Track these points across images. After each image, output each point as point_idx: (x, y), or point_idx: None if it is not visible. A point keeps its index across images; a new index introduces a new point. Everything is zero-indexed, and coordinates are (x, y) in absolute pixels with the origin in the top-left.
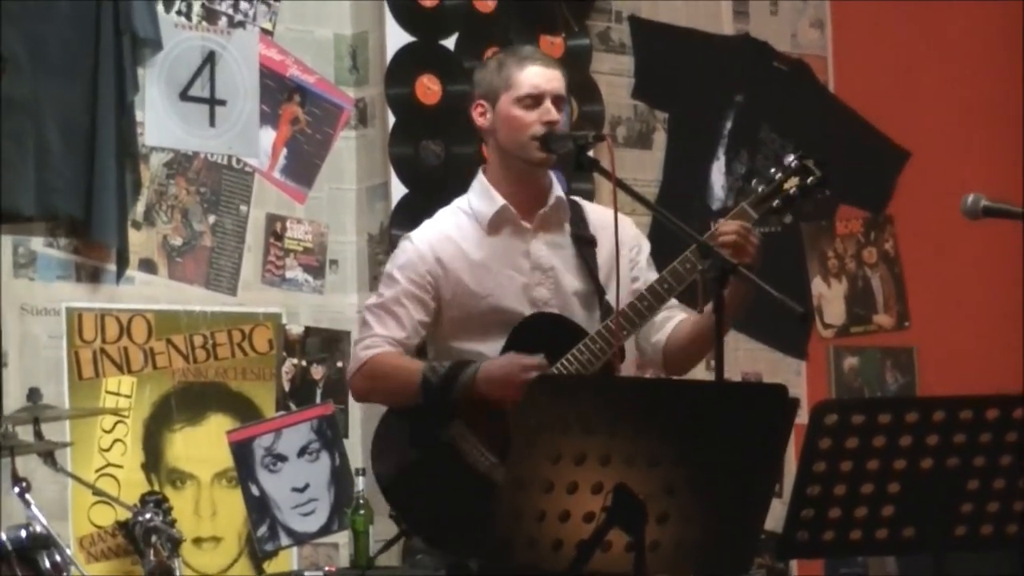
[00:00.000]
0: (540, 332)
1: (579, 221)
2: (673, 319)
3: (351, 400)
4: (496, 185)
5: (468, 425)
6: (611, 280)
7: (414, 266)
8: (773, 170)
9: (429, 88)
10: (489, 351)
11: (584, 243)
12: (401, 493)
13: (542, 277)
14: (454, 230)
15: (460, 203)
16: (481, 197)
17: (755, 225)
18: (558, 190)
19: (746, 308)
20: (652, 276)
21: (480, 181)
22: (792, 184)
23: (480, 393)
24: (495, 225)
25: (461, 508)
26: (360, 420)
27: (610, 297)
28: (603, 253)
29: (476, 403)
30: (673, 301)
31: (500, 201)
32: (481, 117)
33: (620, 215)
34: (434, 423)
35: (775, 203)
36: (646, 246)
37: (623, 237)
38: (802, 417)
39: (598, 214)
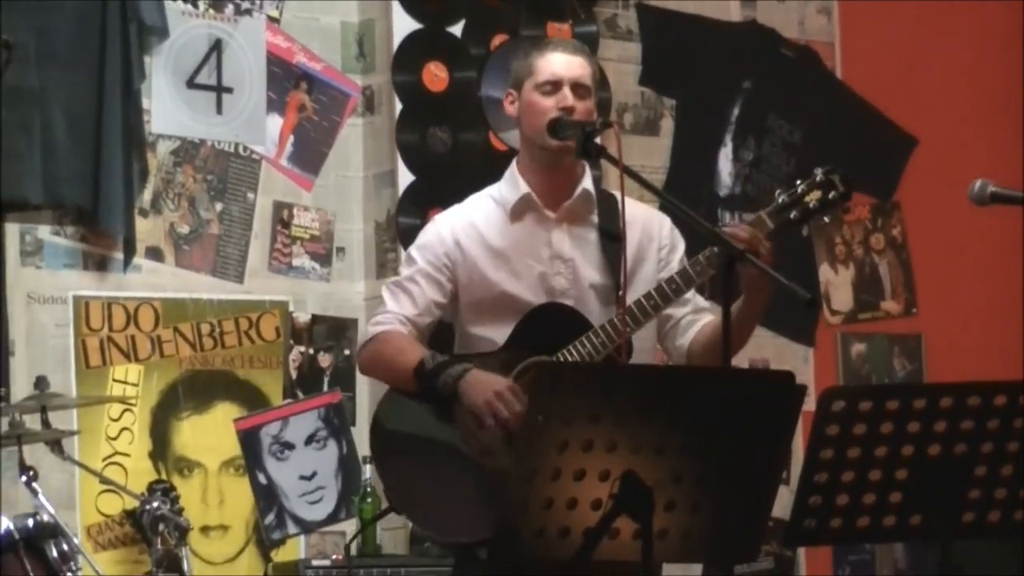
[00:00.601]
0: (548, 322)
1: (610, 215)
2: (698, 322)
3: (359, 388)
4: (524, 174)
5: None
6: (635, 276)
7: (432, 247)
8: (799, 181)
9: (436, 75)
10: (500, 338)
11: (610, 237)
12: (395, 474)
13: (561, 267)
14: (479, 216)
15: (491, 190)
16: (508, 184)
17: (771, 236)
18: (587, 183)
19: (764, 305)
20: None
21: (511, 170)
22: (813, 197)
23: (459, 392)
24: (517, 212)
25: (455, 492)
26: (368, 408)
27: (635, 292)
28: (632, 248)
29: None
30: (702, 302)
31: (524, 189)
32: (511, 106)
33: (659, 214)
34: (436, 406)
35: (793, 214)
36: (680, 246)
37: (653, 233)
38: (809, 404)
39: (636, 210)
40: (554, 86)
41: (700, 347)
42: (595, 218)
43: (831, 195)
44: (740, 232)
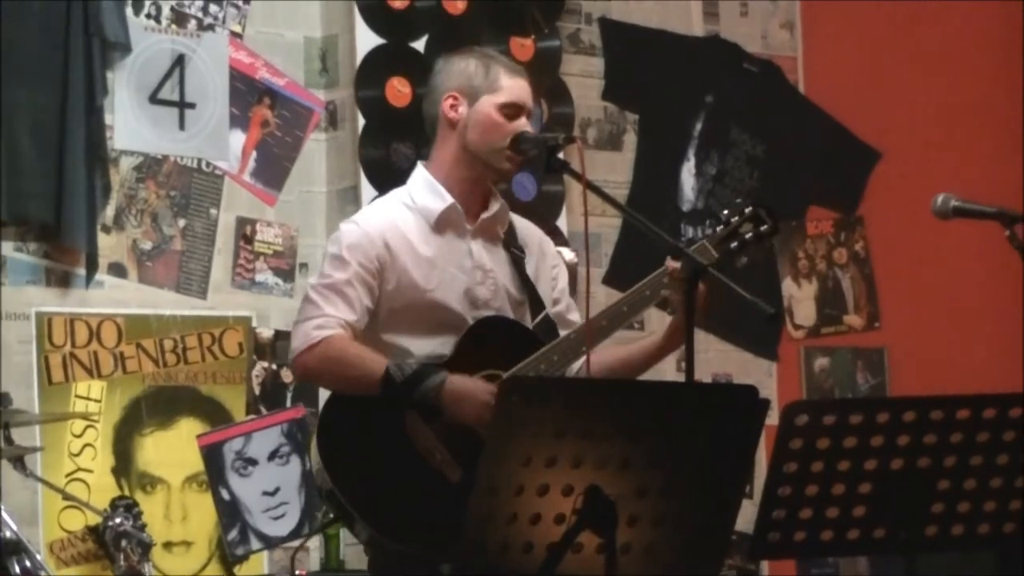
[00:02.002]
0: (492, 336)
1: (510, 232)
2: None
3: (322, 403)
4: (444, 182)
5: (423, 418)
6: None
7: (363, 249)
8: (726, 212)
9: (399, 90)
10: (418, 349)
11: (514, 252)
12: (347, 478)
13: (483, 277)
14: (400, 221)
15: (401, 196)
16: (428, 193)
17: (716, 265)
18: (500, 198)
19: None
20: (567, 298)
21: (424, 176)
22: (747, 229)
23: (443, 403)
24: (442, 223)
25: (412, 499)
26: None
27: (548, 310)
28: (531, 265)
29: None
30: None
31: (449, 199)
32: (452, 110)
33: (542, 233)
34: (388, 413)
35: (733, 245)
36: (564, 270)
37: (546, 253)
38: (773, 418)
39: (525, 228)
40: (516, 111)
41: (602, 367)
42: (502, 234)
43: (762, 228)
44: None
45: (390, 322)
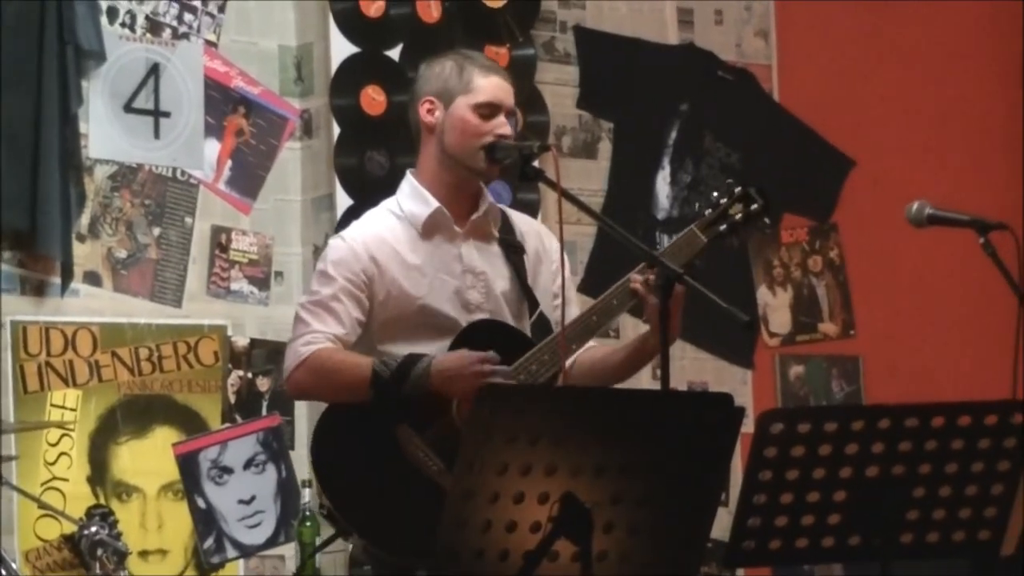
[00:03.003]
0: (485, 338)
1: (507, 228)
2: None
3: (297, 412)
4: (430, 187)
5: (415, 429)
6: (535, 287)
7: (348, 264)
8: (716, 194)
9: (374, 99)
10: None
11: (512, 249)
12: (344, 493)
13: (474, 280)
14: (387, 232)
15: (389, 205)
16: (414, 199)
17: (706, 248)
18: (490, 197)
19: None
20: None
21: (411, 183)
22: (737, 210)
23: (434, 386)
24: (429, 228)
25: (408, 511)
26: (307, 432)
27: (543, 306)
28: (530, 261)
29: (425, 406)
30: None
31: (434, 204)
32: (429, 115)
33: (542, 227)
34: (380, 424)
35: (722, 227)
36: (566, 261)
37: (548, 247)
38: (748, 426)
39: (524, 222)
40: (492, 110)
41: (583, 371)
42: (496, 232)
43: (752, 207)
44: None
45: (385, 332)
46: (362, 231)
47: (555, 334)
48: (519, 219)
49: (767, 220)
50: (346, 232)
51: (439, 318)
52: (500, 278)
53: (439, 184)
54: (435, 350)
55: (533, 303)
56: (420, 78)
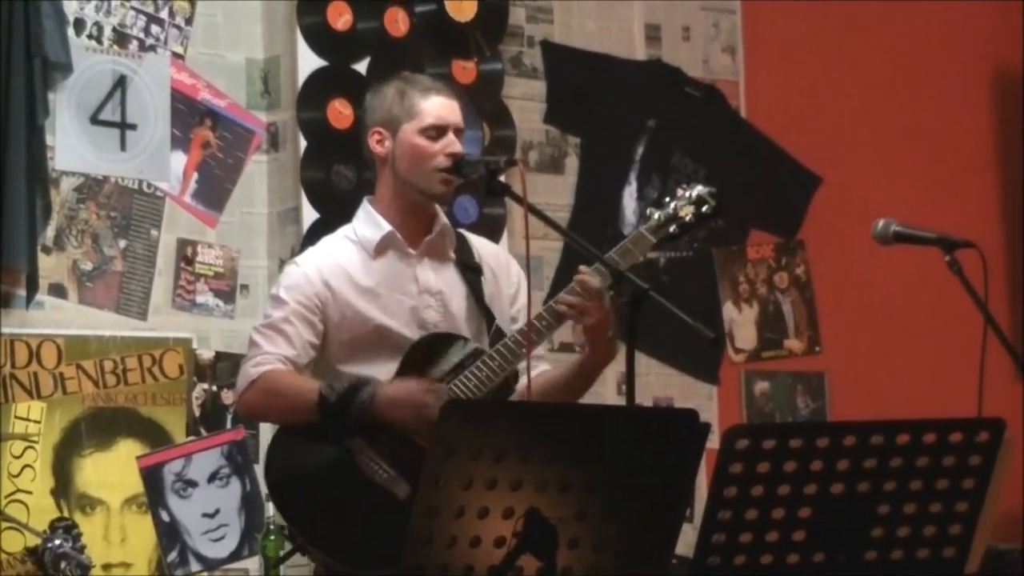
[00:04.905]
0: (435, 351)
1: (465, 250)
2: (536, 368)
3: (262, 425)
4: (385, 213)
5: (366, 440)
6: (493, 308)
7: (301, 288)
8: (668, 199)
9: (341, 112)
10: (376, 374)
11: (469, 270)
12: (297, 506)
13: (430, 300)
14: (341, 256)
15: (346, 232)
16: (367, 225)
17: (655, 249)
18: (443, 218)
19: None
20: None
21: (366, 210)
22: (688, 212)
23: (379, 414)
24: (381, 250)
25: (363, 522)
26: None
27: (500, 323)
28: (488, 283)
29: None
30: (541, 350)
31: (386, 227)
32: (379, 145)
33: (505, 252)
34: (331, 438)
35: (672, 229)
36: (524, 285)
37: (509, 271)
38: (714, 442)
39: (484, 247)
40: (439, 131)
41: (537, 393)
42: (452, 253)
43: (704, 209)
44: (567, 300)
45: (343, 353)
46: (316, 257)
47: (507, 338)
48: (480, 244)
49: (720, 221)
50: (300, 258)
51: (395, 338)
52: (457, 296)
53: (393, 210)
54: (393, 369)
55: (490, 319)
56: (367, 108)
